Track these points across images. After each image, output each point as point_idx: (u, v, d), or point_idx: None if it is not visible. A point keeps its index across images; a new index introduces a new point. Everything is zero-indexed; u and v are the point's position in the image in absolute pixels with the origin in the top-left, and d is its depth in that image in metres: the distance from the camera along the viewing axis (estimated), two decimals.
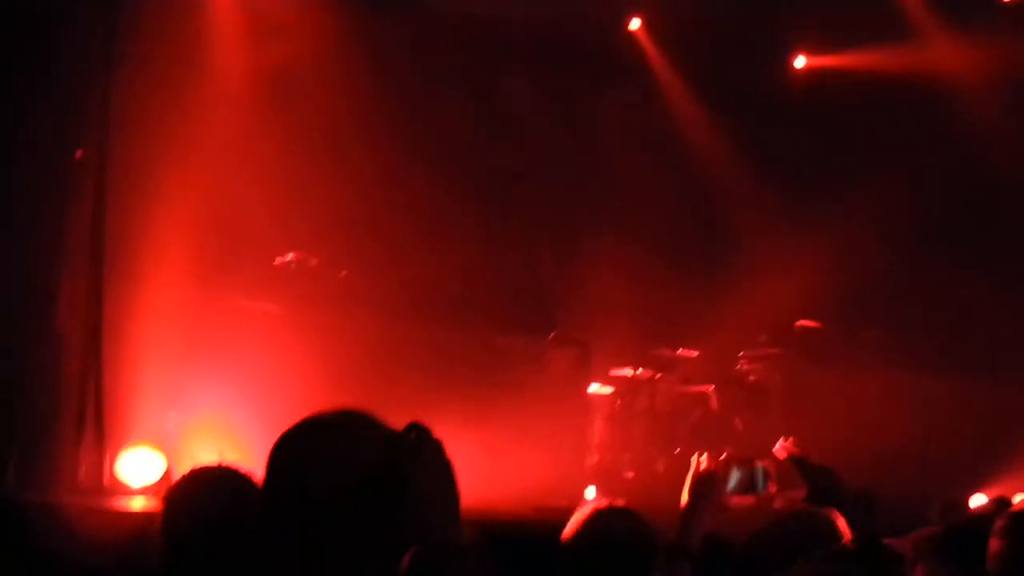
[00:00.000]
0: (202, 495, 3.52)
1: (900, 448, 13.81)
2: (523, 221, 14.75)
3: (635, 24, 15.36)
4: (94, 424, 9.07)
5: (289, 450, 2.46)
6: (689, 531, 3.50)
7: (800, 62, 16.39)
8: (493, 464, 10.38)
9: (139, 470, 8.89)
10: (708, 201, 16.17)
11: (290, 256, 11.47)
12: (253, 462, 2.71)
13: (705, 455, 3.57)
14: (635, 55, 15.44)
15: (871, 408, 13.84)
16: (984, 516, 4.44)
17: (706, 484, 3.51)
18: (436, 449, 2.65)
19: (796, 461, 3.46)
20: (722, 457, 3.54)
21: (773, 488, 3.49)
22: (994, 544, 3.49)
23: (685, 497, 3.56)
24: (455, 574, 2.69)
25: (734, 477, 3.48)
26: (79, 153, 9.53)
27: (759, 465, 3.52)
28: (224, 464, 3.76)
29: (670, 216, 15.68)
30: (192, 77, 10.64)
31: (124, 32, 9.98)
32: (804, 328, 14.32)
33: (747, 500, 3.55)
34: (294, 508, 2.38)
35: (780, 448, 3.48)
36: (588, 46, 14.87)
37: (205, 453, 8.72)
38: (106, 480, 8.96)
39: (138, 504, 8.52)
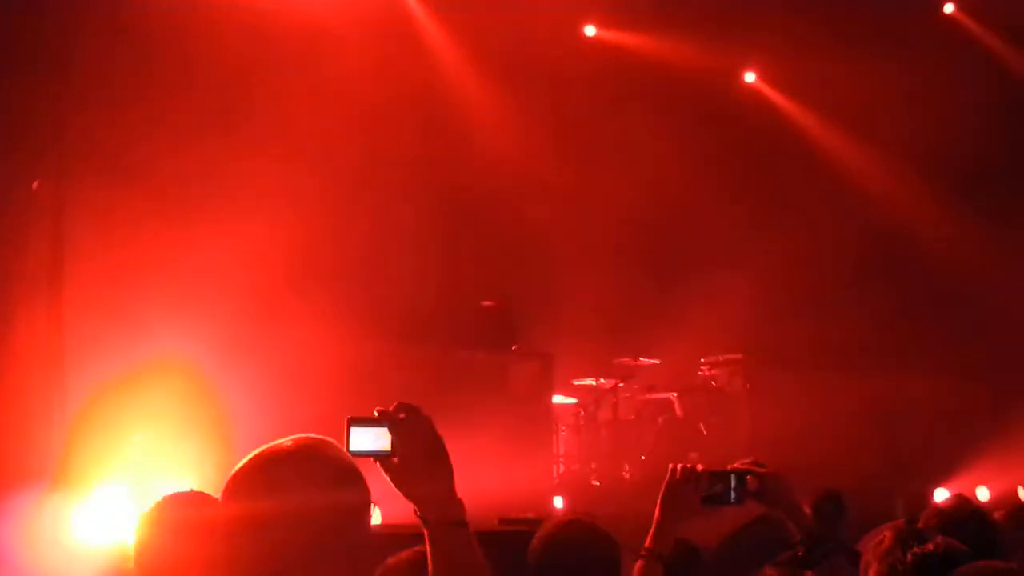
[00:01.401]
0: (178, 523, 3.43)
1: (865, 446, 13.93)
2: (482, 235, 14.76)
3: (591, 31, 15.46)
4: (60, 459, 9.00)
5: (244, 482, 2.45)
6: (661, 536, 3.54)
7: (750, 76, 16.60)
8: (458, 477, 10.36)
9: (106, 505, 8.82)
10: (667, 210, 16.24)
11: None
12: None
13: (680, 465, 3.60)
14: (587, 66, 15.52)
15: (835, 409, 13.94)
16: (943, 513, 4.49)
17: (679, 491, 3.54)
18: (426, 425, 2.73)
19: (750, 472, 3.48)
20: (698, 467, 3.58)
21: (747, 498, 3.52)
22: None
23: (658, 503, 3.60)
24: (457, 552, 2.70)
25: (709, 486, 3.51)
26: (36, 183, 9.49)
27: (733, 474, 3.55)
28: (196, 491, 3.68)
29: (628, 227, 15.75)
30: (146, 107, 10.65)
31: (78, 64, 9.98)
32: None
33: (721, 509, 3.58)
34: (254, 540, 2.39)
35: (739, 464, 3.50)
36: (542, 56, 14.97)
37: (172, 478, 8.69)
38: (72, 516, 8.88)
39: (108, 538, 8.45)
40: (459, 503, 2.71)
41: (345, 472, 2.50)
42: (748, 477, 3.54)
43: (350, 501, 2.47)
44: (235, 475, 2.47)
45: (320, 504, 2.41)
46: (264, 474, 2.45)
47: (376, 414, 2.71)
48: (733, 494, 3.46)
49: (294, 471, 2.45)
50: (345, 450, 2.58)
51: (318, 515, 2.40)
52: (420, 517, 2.65)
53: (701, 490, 3.51)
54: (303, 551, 2.37)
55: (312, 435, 2.56)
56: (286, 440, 2.52)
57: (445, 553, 2.64)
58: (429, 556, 2.62)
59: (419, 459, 2.67)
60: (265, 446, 2.50)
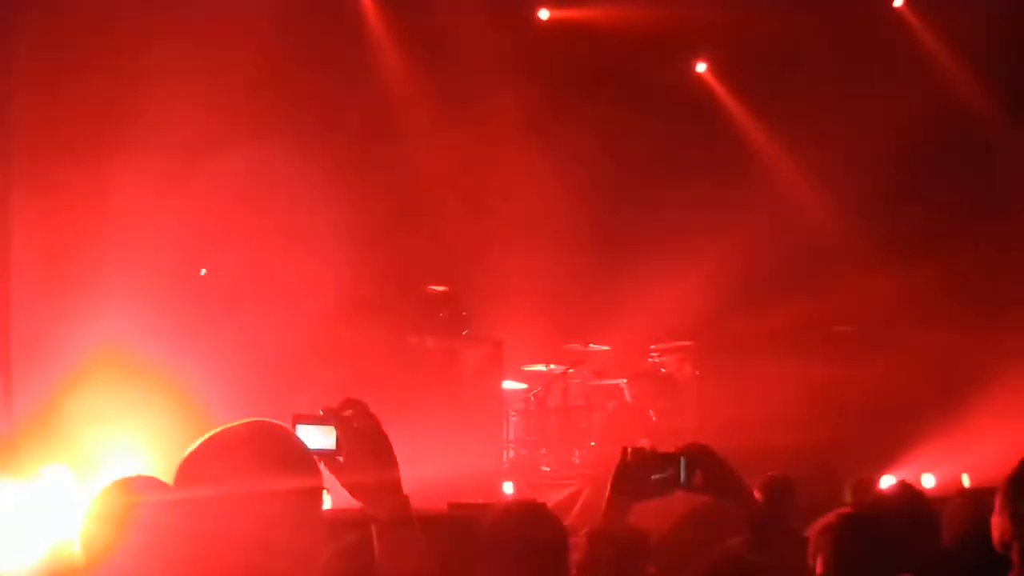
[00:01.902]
0: (127, 510, 3.29)
1: (812, 433, 14.02)
2: (431, 220, 14.74)
3: (544, 14, 15.45)
4: (5, 441, 8.95)
5: (195, 469, 2.42)
6: (612, 518, 3.54)
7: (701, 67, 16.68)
8: (408, 462, 10.34)
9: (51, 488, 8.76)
10: (615, 197, 16.28)
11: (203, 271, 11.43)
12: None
13: (631, 448, 3.61)
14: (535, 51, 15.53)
15: (783, 396, 14.03)
16: (884, 502, 4.54)
17: (631, 474, 3.54)
18: (372, 422, 2.73)
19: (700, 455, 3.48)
20: (648, 448, 3.58)
21: (699, 482, 3.52)
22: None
23: (610, 485, 3.60)
24: (406, 548, 2.69)
25: (660, 471, 3.51)
26: None
27: (682, 457, 3.55)
28: (146, 476, 3.56)
29: (579, 213, 15.79)
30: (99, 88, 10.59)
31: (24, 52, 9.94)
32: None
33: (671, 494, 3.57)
34: (207, 526, 2.36)
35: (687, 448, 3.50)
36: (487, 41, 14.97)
37: (125, 465, 8.63)
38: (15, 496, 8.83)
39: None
40: (405, 500, 2.72)
41: (297, 457, 2.48)
42: (697, 460, 3.54)
43: (302, 486, 2.45)
44: (187, 460, 2.44)
45: (273, 489, 2.39)
46: (216, 459, 2.42)
47: (321, 413, 2.71)
48: (683, 477, 3.46)
49: (247, 455, 2.42)
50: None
51: (271, 500, 2.38)
52: (368, 514, 2.66)
53: (651, 472, 3.51)
54: (256, 536, 2.35)
55: (264, 419, 2.53)
56: (237, 424, 2.49)
57: (392, 550, 2.65)
58: (376, 550, 2.62)
59: (365, 457, 2.67)
60: (216, 430, 2.47)
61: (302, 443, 2.53)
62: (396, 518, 2.67)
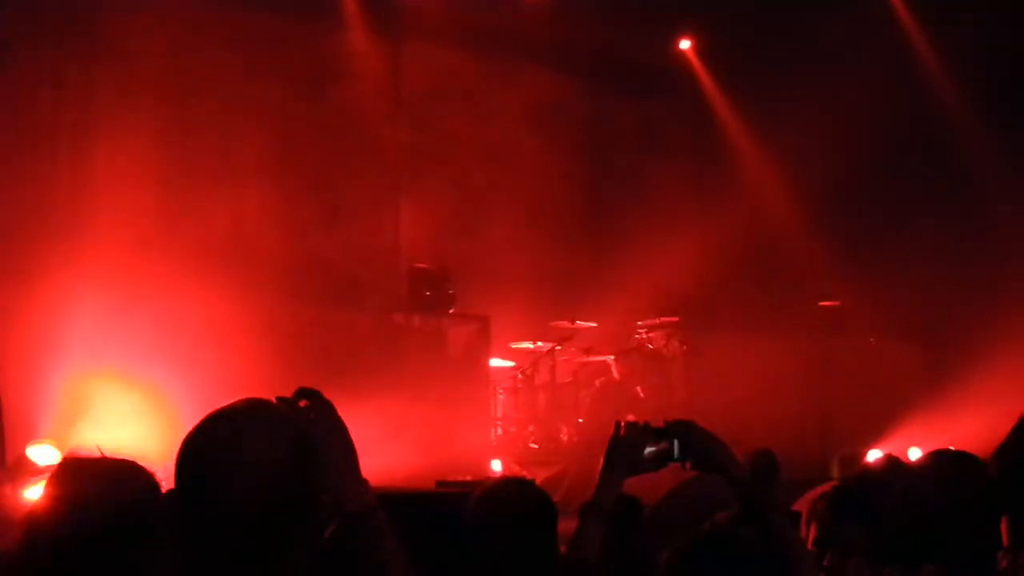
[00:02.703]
0: (93, 491, 2.82)
1: (800, 408, 14.09)
2: (420, 198, 14.74)
3: None
4: None
5: (200, 448, 2.37)
6: (605, 491, 3.54)
7: (685, 44, 16.64)
8: (396, 440, 10.39)
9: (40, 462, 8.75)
10: (600, 174, 16.31)
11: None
12: (152, 447, 2.63)
13: (624, 422, 3.60)
14: (526, 30, 15.50)
15: (770, 371, 14.07)
16: (873, 473, 4.54)
17: (624, 448, 3.54)
18: (330, 411, 2.70)
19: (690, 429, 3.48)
20: (641, 424, 3.57)
21: (690, 456, 3.51)
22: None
23: (603, 459, 3.59)
24: (376, 537, 2.66)
25: (652, 446, 3.50)
26: None
27: (675, 430, 3.54)
28: (109, 454, 3.05)
29: (564, 190, 15.81)
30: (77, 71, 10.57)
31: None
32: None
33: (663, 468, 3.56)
34: (211, 507, 2.32)
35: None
36: (481, 22, 14.97)
37: (107, 442, 8.60)
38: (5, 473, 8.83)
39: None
40: (367, 489, 2.67)
41: (300, 434, 2.44)
42: (688, 435, 3.53)
43: (308, 462, 2.43)
44: (187, 441, 2.38)
45: (282, 465, 2.36)
46: (219, 441, 2.36)
47: (275, 401, 2.64)
48: (676, 450, 3.45)
49: (255, 432, 2.38)
50: None
51: (280, 476, 2.35)
52: (334, 503, 2.61)
53: (645, 445, 3.51)
54: (267, 513, 2.32)
55: (260, 398, 2.50)
56: (238, 403, 2.45)
57: (362, 539, 2.63)
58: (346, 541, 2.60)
59: (323, 447, 2.57)
60: (219, 408, 2.42)
61: (302, 420, 2.49)
62: (359, 507, 2.64)
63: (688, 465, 3.44)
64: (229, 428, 2.39)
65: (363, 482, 2.67)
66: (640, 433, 3.52)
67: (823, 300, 15.41)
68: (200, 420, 2.41)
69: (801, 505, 4.09)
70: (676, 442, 3.44)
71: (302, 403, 2.68)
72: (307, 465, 2.41)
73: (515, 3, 15.36)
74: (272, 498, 2.32)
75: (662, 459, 3.46)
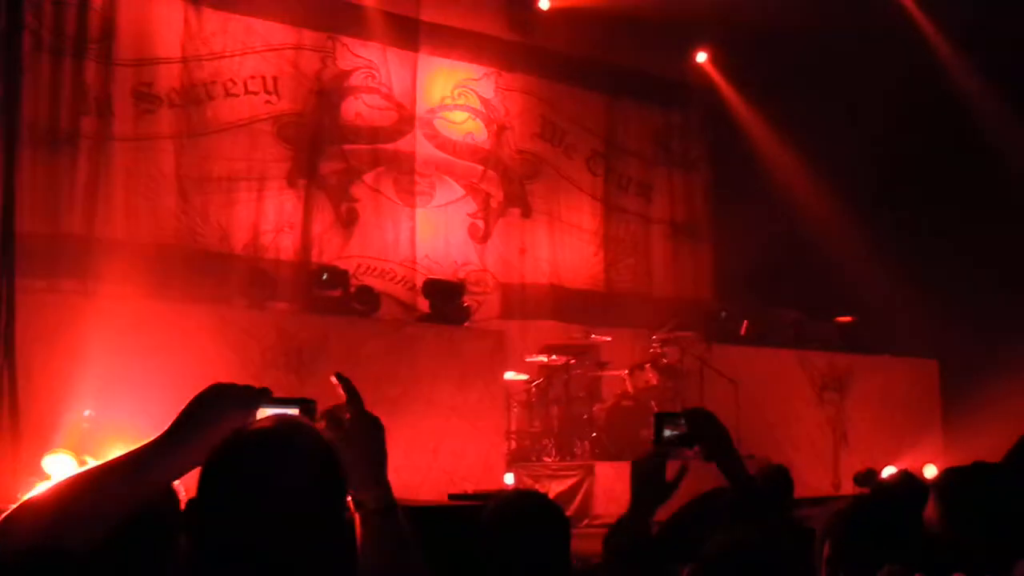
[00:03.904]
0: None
1: (815, 423, 14.06)
2: (436, 209, 14.78)
3: (544, 3, 15.43)
4: (9, 428, 8.95)
5: (227, 469, 2.31)
6: (638, 527, 3.48)
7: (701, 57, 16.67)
8: (411, 453, 10.39)
9: (55, 475, 8.76)
10: (616, 187, 16.32)
11: None
12: None
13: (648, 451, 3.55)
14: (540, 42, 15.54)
15: (786, 385, 14.05)
16: (889, 489, 4.52)
17: (649, 476, 3.49)
18: (360, 405, 2.62)
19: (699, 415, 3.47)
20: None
21: (703, 446, 3.50)
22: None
23: (631, 493, 3.53)
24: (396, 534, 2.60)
25: (669, 431, 3.48)
26: None
27: (683, 416, 3.52)
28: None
29: (580, 203, 15.84)
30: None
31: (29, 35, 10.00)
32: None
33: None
34: (234, 527, 2.26)
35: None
36: (497, 36, 15.02)
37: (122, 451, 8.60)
38: (23, 484, 8.83)
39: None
40: (388, 489, 2.59)
41: (330, 452, 2.39)
42: (702, 423, 3.51)
43: (336, 481, 2.38)
44: (219, 456, 2.32)
45: (309, 487, 2.32)
46: (252, 458, 2.30)
47: (334, 379, 2.63)
48: (685, 438, 3.44)
49: (283, 454, 2.32)
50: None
51: (307, 499, 2.31)
52: (352, 499, 2.52)
53: (664, 469, 3.48)
54: (297, 533, 2.28)
55: (289, 416, 2.46)
56: (265, 420, 2.42)
57: (375, 538, 2.55)
58: (359, 538, 2.55)
59: (348, 440, 2.54)
60: (248, 427, 2.38)
61: (327, 438, 2.44)
62: (379, 506, 2.56)
63: (697, 450, 3.42)
64: (258, 449, 2.33)
65: (382, 480, 2.58)
66: (659, 418, 3.49)
67: (840, 314, 15.39)
68: (228, 437, 2.35)
69: (816, 522, 4.06)
70: (684, 428, 3.44)
71: (334, 381, 2.62)
72: (334, 485, 2.38)
73: (530, 17, 15.40)
74: (298, 520, 2.30)
75: (671, 445, 3.45)
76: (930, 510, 3.47)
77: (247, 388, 2.53)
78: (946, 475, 3.58)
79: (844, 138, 14.29)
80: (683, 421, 3.45)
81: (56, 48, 11.79)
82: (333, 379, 2.65)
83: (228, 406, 2.47)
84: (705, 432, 3.42)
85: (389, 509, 2.57)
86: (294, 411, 2.53)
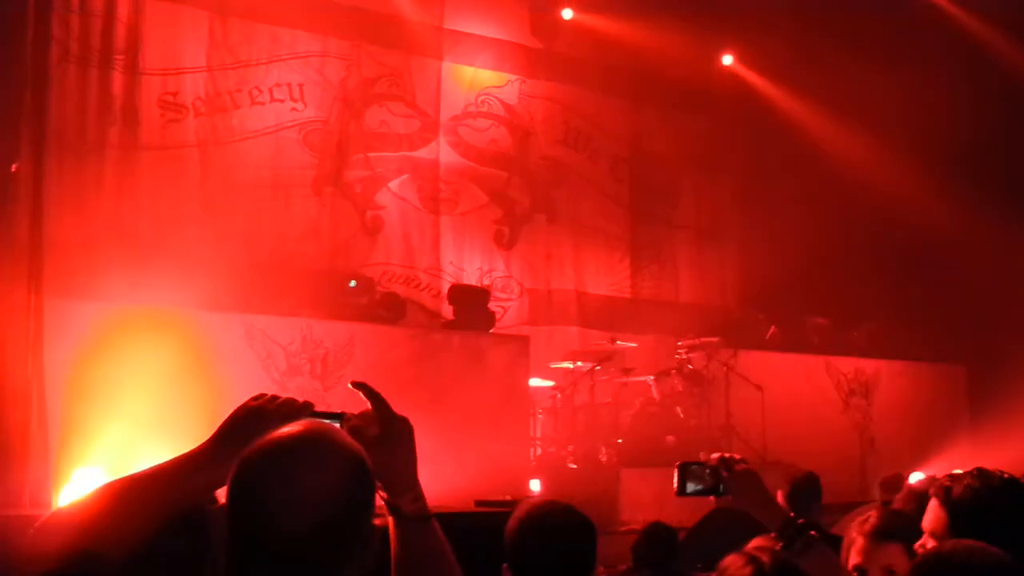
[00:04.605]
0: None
1: (842, 429, 14.01)
2: (461, 217, 14.81)
3: (568, 14, 15.44)
4: (39, 440, 8.99)
5: (255, 476, 2.30)
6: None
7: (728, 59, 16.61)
8: (435, 460, 10.40)
9: (87, 486, 8.76)
10: (642, 194, 16.30)
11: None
12: None
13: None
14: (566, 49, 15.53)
15: (812, 392, 14.01)
16: (915, 496, 4.52)
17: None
18: (389, 411, 2.62)
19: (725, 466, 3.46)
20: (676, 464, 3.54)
21: (732, 492, 3.49)
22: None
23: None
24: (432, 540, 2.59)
25: (694, 481, 3.48)
26: (14, 167, 9.46)
27: (709, 467, 3.52)
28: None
29: (607, 209, 15.83)
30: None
31: (55, 47, 10.05)
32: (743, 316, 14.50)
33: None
34: (262, 535, 2.26)
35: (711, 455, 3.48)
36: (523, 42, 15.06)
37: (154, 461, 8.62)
38: (54, 496, 8.88)
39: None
40: (421, 495, 2.58)
41: (359, 460, 2.37)
42: (722, 471, 3.51)
43: (366, 486, 2.37)
44: (247, 462, 2.31)
45: (338, 496, 2.32)
46: (280, 464, 2.29)
47: (351, 386, 2.63)
48: (714, 487, 3.44)
49: (312, 461, 2.31)
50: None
51: (336, 507, 2.31)
52: (386, 504, 2.53)
53: (677, 485, 3.49)
54: (319, 543, 2.28)
55: (319, 423, 2.46)
56: (296, 427, 2.41)
57: (409, 543, 2.55)
58: (393, 544, 2.55)
59: (379, 444, 2.54)
60: (278, 432, 2.38)
61: (357, 445, 2.43)
62: (414, 512, 2.55)
63: (730, 499, 3.43)
64: (287, 456, 2.31)
65: (414, 487, 2.59)
66: (686, 469, 3.49)
67: (867, 320, 15.34)
68: (257, 443, 2.33)
69: (842, 528, 4.05)
70: (711, 477, 3.44)
71: (352, 386, 2.61)
72: (363, 494, 2.36)
73: (554, 24, 15.43)
74: (325, 529, 2.29)
75: (707, 493, 3.46)
76: (932, 518, 3.45)
77: (289, 401, 2.55)
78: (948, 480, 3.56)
79: (877, 137, 14.27)
80: (708, 472, 3.45)
81: (83, 59, 11.90)
82: (350, 386, 2.66)
83: (269, 419, 2.49)
84: (734, 484, 3.41)
85: (423, 515, 2.56)
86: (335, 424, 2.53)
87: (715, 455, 3.46)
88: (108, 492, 2.42)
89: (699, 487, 3.46)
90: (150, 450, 9.00)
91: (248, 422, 2.49)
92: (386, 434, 2.61)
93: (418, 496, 2.58)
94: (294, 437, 2.34)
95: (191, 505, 2.56)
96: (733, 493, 3.42)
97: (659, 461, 11.50)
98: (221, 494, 2.37)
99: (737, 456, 3.53)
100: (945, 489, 3.44)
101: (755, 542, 3.31)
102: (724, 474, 3.46)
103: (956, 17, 15.22)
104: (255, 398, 2.55)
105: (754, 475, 3.45)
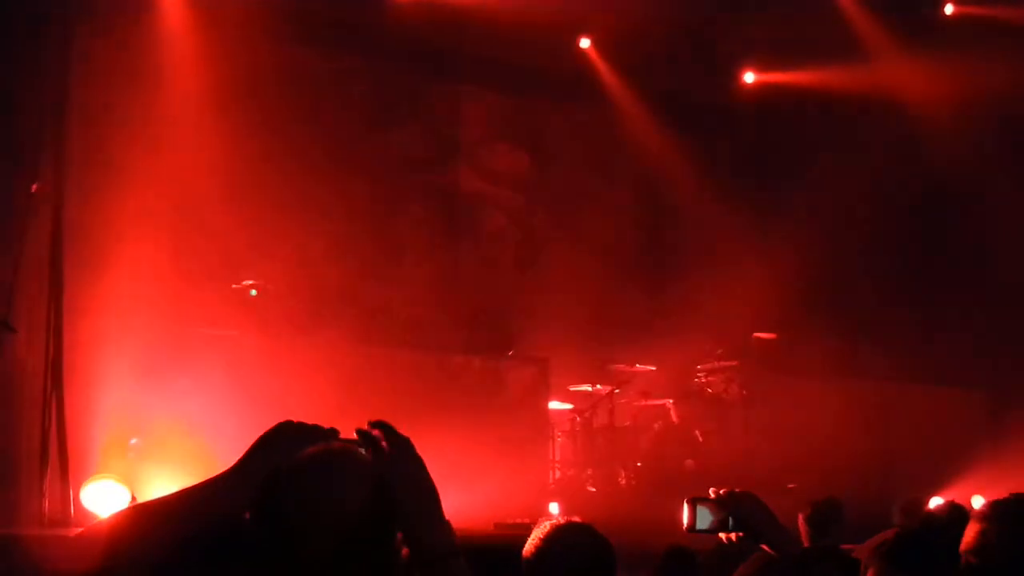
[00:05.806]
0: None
1: (861, 453, 13.95)
2: (480, 241, 14.83)
3: (585, 43, 15.37)
4: (57, 456, 9.05)
5: (281, 496, 2.37)
6: None
7: (750, 78, 16.51)
8: (454, 482, 10.37)
9: (104, 500, 8.83)
10: (661, 216, 16.29)
11: (248, 282, 11.45)
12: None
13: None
14: (586, 73, 15.48)
15: (831, 415, 13.96)
16: (935, 520, 4.51)
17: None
18: (408, 448, 2.56)
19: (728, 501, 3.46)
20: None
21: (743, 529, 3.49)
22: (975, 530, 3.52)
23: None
24: None
25: (704, 516, 3.47)
26: (35, 187, 9.53)
27: (717, 503, 3.50)
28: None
29: (624, 232, 15.82)
30: (146, 107, 10.76)
31: (76, 69, 10.11)
32: (760, 340, 14.43)
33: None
34: (288, 552, 2.32)
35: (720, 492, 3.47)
36: (540, 66, 15.03)
37: (167, 480, 8.69)
38: (72, 511, 8.92)
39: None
40: (448, 530, 2.51)
41: (381, 483, 2.41)
42: (741, 507, 3.50)
43: (387, 511, 2.41)
44: (273, 483, 2.38)
45: (361, 516, 2.37)
46: (306, 485, 2.37)
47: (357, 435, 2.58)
48: (723, 522, 3.43)
49: (337, 481, 2.38)
50: None
51: (360, 527, 2.33)
52: (409, 546, 2.47)
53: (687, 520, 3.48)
54: (343, 562, 2.30)
55: (343, 445, 2.50)
56: (321, 448, 2.44)
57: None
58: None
59: (403, 488, 2.49)
60: (303, 454, 2.42)
61: (374, 464, 2.43)
62: (442, 551, 2.47)
63: (742, 535, 3.43)
64: (311, 477, 2.39)
65: (445, 523, 2.51)
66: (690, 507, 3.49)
67: (886, 344, 15.29)
68: (285, 465, 2.40)
69: (861, 552, 4.05)
70: (718, 514, 3.44)
71: (376, 432, 2.56)
72: (386, 514, 2.41)
73: (569, 46, 15.44)
74: (350, 547, 2.33)
75: (716, 529, 3.45)
76: (968, 540, 3.46)
77: (315, 428, 2.57)
78: (992, 506, 3.56)
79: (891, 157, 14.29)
80: (717, 506, 3.45)
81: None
82: (355, 435, 2.60)
83: (296, 444, 2.52)
84: (747, 519, 3.40)
85: (451, 552, 2.49)
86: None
87: (723, 490, 3.45)
88: (143, 509, 2.46)
89: (708, 523, 3.45)
90: (164, 467, 9.07)
91: (275, 446, 2.52)
92: (401, 470, 2.53)
93: (446, 533, 2.51)
94: (316, 455, 2.39)
95: (221, 526, 2.58)
96: (743, 527, 3.41)
97: (677, 484, 11.49)
98: None
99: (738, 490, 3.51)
100: (986, 513, 3.45)
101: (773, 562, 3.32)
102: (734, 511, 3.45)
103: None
104: (281, 424, 2.58)
105: (760, 503, 3.45)
